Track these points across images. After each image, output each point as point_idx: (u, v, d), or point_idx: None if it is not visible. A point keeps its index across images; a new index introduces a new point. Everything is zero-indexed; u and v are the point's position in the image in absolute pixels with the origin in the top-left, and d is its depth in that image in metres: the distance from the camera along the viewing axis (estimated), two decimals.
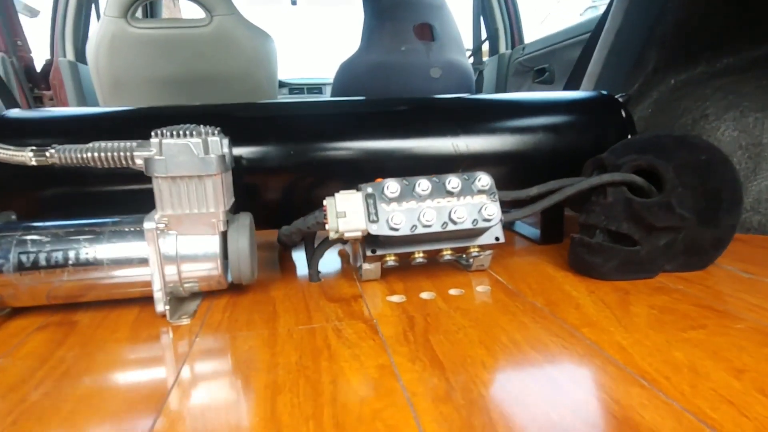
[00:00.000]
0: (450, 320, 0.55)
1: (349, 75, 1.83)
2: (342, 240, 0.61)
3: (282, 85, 2.89)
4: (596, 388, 0.41)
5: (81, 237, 0.56)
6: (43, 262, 0.55)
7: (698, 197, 0.64)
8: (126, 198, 0.71)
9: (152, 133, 0.56)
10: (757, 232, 0.89)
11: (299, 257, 0.82)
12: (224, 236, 0.60)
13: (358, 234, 0.59)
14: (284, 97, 2.89)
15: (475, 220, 0.60)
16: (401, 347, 0.49)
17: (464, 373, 0.43)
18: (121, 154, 0.56)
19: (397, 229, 0.58)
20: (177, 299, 0.61)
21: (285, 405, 0.39)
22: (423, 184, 0.60)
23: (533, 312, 0.57)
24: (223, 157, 0.58)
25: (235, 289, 0.66)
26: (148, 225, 0.55)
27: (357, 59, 1.84)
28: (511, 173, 0.80)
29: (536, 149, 0.80)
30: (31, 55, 1.90)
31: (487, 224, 0.60)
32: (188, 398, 0.41)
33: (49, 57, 2.00)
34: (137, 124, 0.73)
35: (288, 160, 0.74)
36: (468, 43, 2.59)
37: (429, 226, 0.59)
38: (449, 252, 0.64)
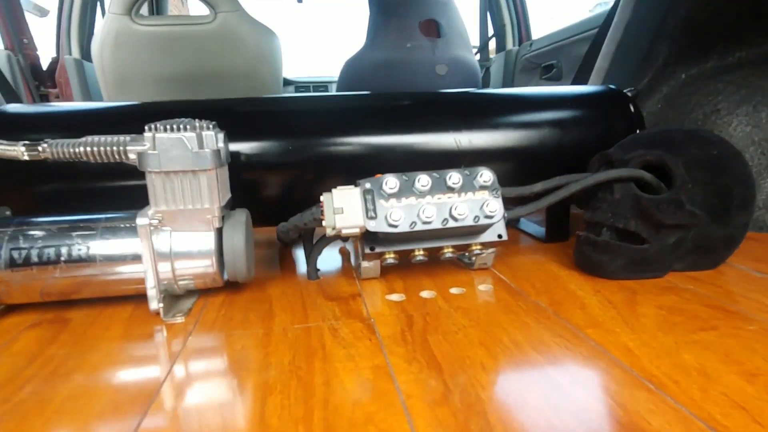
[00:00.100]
0: (450, 320, 0.53)
1: (353, 72, 1.82)
2: (340, 237, 0.60)
3: (288, 83, 2.89)
4: (601, 392, 0.39)
5: (74, 233, 0.55)
6: (35, 259, 0.54)
7: (709, 194, 0.62)
8: (124, 194, 0.70)
9: (146, 128, 0.54)
10: None
11: (300, 255, 0.81)
12: (219, 233, 0.58)
13: (356, 231, 0.57)
14: None
15: (476, 216, 0.58)
16: (398, 347, 0.47)
17: (463, 375, 0.42)
18: (114, 148, 0.55)
19: (395, 226, 0.57)
20: (172, 297, 0.60)
21: (275, 407, 0.38)
22: (423, 180, 0.58)
23: (536, 312, 0.55)
24: (218, 151, 0.56)
25: (232, 287, 0.64)
26: (141, 221, 0.54)
27: (362, 56, 1.82)
28: (515, 170, 0.78)
29: (541, 145, 0.78)
30: (38, 53, 1.91)
31: (489, 221, 0.59)
32: (176, 399, 0.40)
33: (55, 55, 2.00)
34: (136, 119, 0.72)
35: (287, 155, 0.73)
36: (475, 39, 2.57)
37: (429, 222, 0.57)
38: (450, 250, 0.63)
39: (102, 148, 0.54)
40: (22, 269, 0.54)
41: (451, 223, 0.58)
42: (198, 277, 0.58)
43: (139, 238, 0.55)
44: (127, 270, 0.56)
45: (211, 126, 0.57)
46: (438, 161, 0.74)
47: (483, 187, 0.60)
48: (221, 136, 0.58)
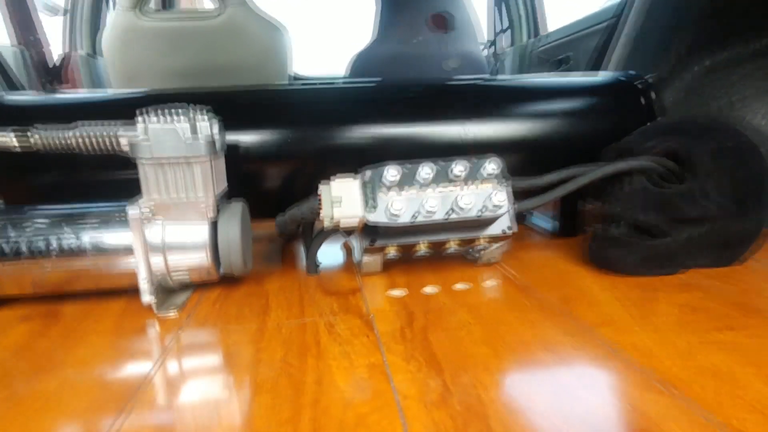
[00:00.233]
0: (453, 316, 0.50)
1: (361, 67, 1.79)
2: (339, 229, 0.57)
3: (296, 79, 2.87)
4: (616, 396, 0.36)
5: (64, 224, 0.53)
6: (24, 250, 0.52)
7: (735, 185, 0.58)
8: (123, 185, 0.69)
9: (137, 114, 0.52)
10: None
11: (301, 250, 0.79)
12: (214, 225, 0.56)
13: (355, 222, 0.54)
14: None
15: (482, 208, 0.55)
16: (396, 345, 0.44)
17: (464, 375, 0.39)
18: (105, 136, 0.53)
19: (397, 218, 0.54)
20: (166, 291, 0.58)
21: (261, 407, 0.36)
22: (426, 169, 0.55)
23: (546, 309, 0.51)
24: (212, 140, 0.54)
25: (228, 281, 0.62)
26: (132, 211, 0.52)
27: (369, 52, 1.80)
28: (525, 161, 0.75)
29: (552, 135, 0.74)
30: (49, 48, 1.92)
31: (495, 213, 0.55)
32: (159, 397, 0.38)
33: (65, 50, 2.01)
34: (134, 108, 0.71)
35: (288, 147, 0.70)
36: (486, 33, 2.53)
37: (432, 214, 0.54)
38: (455, 244, 0.60)
39: (93, 137, 0.52)
40: (12, 261, 0.53)
41: (456, 215, 0.55)
42: (192, 270, 0.56)
43: (130, 230, 0.53)
44: (119, 262, 0.55)
45: (205, 113, 0.54)
46: (444, 152, 0.71)
47: (490, 177, 0.57)
48: (216, 124, 0.56)
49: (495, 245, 0.62)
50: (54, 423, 0.35)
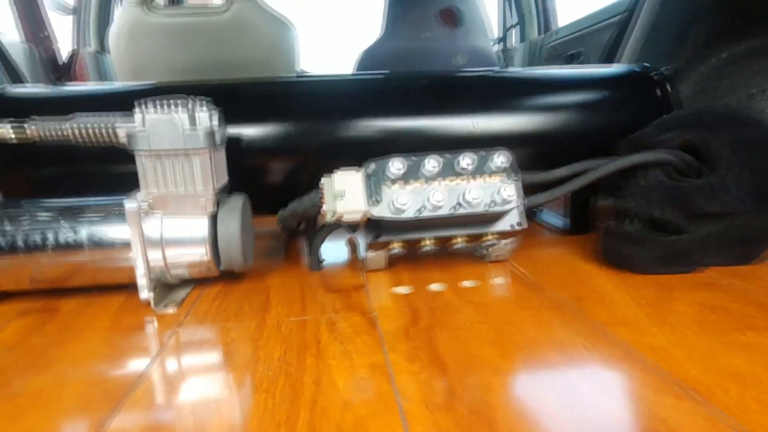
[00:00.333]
0: (459, 315, 0.48)
1: (368, 64, 1.77)
2: (343, 224, 0.55)
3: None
4: (634, 401, 0.34)
5: (61, 218, 0.52)
6: (20, 244, 0.51)
7: (756, 179, 0.55)
8: (123, 179, 0.67)
9: (135, 105, 0.51)
10: None
11: (305, 245, 0.77)
12: (214, 219, 0.55)
13: (358, 216, 0.53)
14: None
15: (491, 202, 0.53)
16: (400, 344, 0.42)
17: (470, 377, 0.37)
18: (103, 127, 0.51)
19: (401, 212, 0.52)
20: (165, 286, 0.56)
21: (257, 407, 0.34)
22: (432, 162, 0.53)
23: (557, 308, 0.49)
24: (212, 131, 0.53)
25: (230, 276, 0.61)
26: (129, 205, 0.51)
27: (378, 47, 1.78)
28: (536, 156, 0.72)
29: (564, 129, 0.72)
30: (57, 45, 1.93)
31: (504, 207, 0.53)
32: (152, 396, 0.36)
33: (74, 48, 2.02)
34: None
35: (291, 140, 0.68)
36: (496, 28, 2.49)
37: (438, 208, 0.52)
38: (462, 239, 0.57)
39: (90, 128, 0.51)
40: (9, 255, 0.52)
41: (463, 209, 0.53)
42: (191, 265, 0.55)
43: (127, 224, 0.51)
44: (117, 257, 0.53)
45: (205, 104, 0.53)
46: (453, 146, 0.69)
47: (499, 171, 0.55)
48: (216, 115, 0.54)
49: (504, 241, 0.60)
50: (45, 421, 0.34)
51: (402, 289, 0.55)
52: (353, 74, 0.81)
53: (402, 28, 1.79)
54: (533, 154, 0.72)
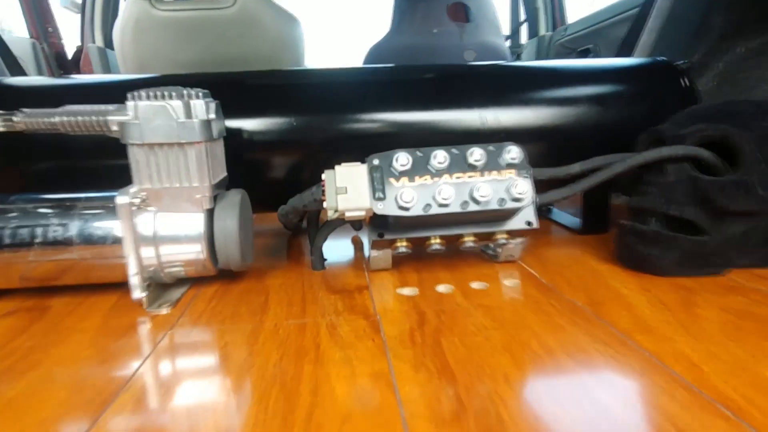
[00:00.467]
0: (469, 319, 0.45)
1: (376, 60, 1.75)
2: (345, 221, 0.52)
3: None
4: (659, 417, 0.30)
5: (50, 213, 0.50)
6: (7, 240, 0.49)
7: None
8: (120, 173, 0.65)
9: (128, 95, 0.49)
10: None
11: (308, 243, 0.74)
12: (211, 215, 0.52)
13: (361, 214, 0.50)
14: None
15: (502, 199, 0.50)
16: (405, 350, 0.39)
17: (481, 388, 0.34)
18: (94, 118, 0.49)
19: (407, 209, 0.49)
20: (159, 286, 0.54)
21: (248, 420, 0.31)
22: (439, 156, 0.50)
23: (572, 312, 0.46)
24: (207, 122, 0.50)
25: (228, 275, 0.58)
26: (121, 200, 0.48)
27: (386, 43, 1.75)
28: (549, 151, 0.69)
29: (578, 123, 0.68)
30: (62, 41, 1.92)
31: (516, 205, 0.50)
32: (134, 406, 0.34)
33: (79, 44, 2.01)
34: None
35: (294, 133, 0.66)
36: (505, 24, 2.45)
37: (446, 205, 0.49)
38: (471, 238, 0.54)
39: (81, 119, 0.49)
40: None
41: (472, 207, 0.50)
42: (187, 264, 0.52)
43: (119, 220, 0.49)
44: (109, 255, 0.51)
45: (201, 94, 0.50)
46: (462, 141, 0.66)
47: (510, 166, 0.52)
48: (213, 106, 0.52)
49: (515, 240, 0.56)
50: (20, 430, 0.31)
51: (407, 291, 0.52)
52: (359, 66, 0.78)
53: (410, 23, 1.76)
54: (546, 149, 0.69)
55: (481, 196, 0.49)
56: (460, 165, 0.51)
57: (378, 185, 0.50)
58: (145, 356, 0.41)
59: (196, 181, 0.50)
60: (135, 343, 0.43)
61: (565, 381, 0.35)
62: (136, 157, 0.49)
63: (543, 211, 0.85)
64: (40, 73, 1.81)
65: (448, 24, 1.73)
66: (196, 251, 0.51)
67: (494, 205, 0.50)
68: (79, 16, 2.06)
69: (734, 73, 0.93)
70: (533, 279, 0.55)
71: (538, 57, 2.30)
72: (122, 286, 0.54)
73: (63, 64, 1.93)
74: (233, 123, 0.63)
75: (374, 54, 1.74)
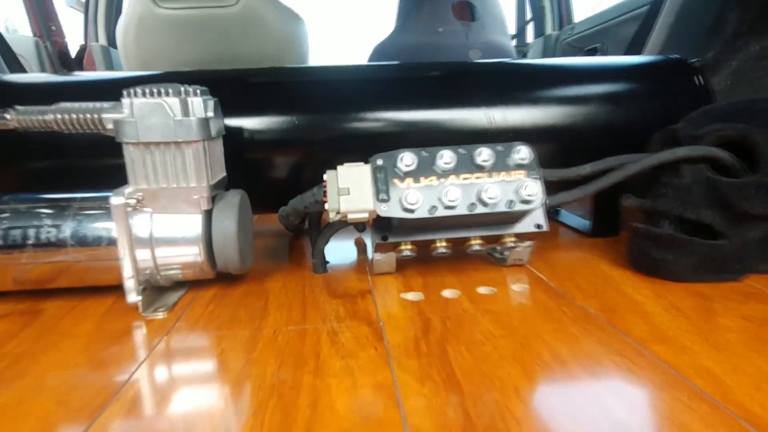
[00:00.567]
0: (476, 326, 0.43)
1: (382, 58, 1.74)
2: (347, 222, 0.51)
3: None
4: None
5: (43, 214, 0.48)
6: (0, 243, 0.47)
7: None
8: (118, 173, 0.64)
9: (123, 92, 0.47)
10: None
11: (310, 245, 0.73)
12: (209, 216, 0.50)
13: (364, 216, 0.48)
14: None
15: (511, 201, 0.48)
16: (410, 360, 0.38)
17: (490, 401, 0.32)
18: (89, 116, 0.47)
19: (412, 211, 0.47)
20: (156, 289, 0.52)
21: None
22: (446, 156, 0.49)
23: (585, 320, 0.44)
24: (205, 120, 0.48)
25: (227, 278, 0.56)
26: (115, 201, 0.47)
27: (391, 41, 1.74)
28: (558, 151, 0.67)
29: (589, 122, 0.66)
30: (66, 40, 1.91)
31: (526, 207, 0.48)
32: (127, 415, 0.32)
33: (83, 42, 2.00)
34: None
35: (296, 132, 0.64)
36: (511, 23, 2.43)
37: (453, 207, 0.48)
38: (478, 241, 0.52)
39: (75, 116, 0.47)
40: None
41: (480, 209, 0.48)
42: (184, 266, 0.51)
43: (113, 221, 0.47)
44: (104, 257, 0.49)
45: (198, 92, 0.49)
46: (468, 141, 0.64)
47: (519, 166, 0.50)
48: (211, 103, 0.50)
49: (524, 244, 0.54)
50: None
51: (412, 296, 0.51)
52: (363, 64, 0.76)
53: (415, 22, 1.75)
54: (555, 150, 0.67)
55: (489, 198, 0.47)
56: (467, 165, 0.49)
57: (382, 186, 0.48)
58: (138, 364, 0.39)
59: (194, 181, 0.49)
60: (128, 349, 0.42)
61: (578, 395, 0.33)
62: (131, 157, 0.48)
63: (551, 213, 0.83)
64: (42, 71, 1.81)
65: (453, 23, 1.72)
66: (193, 254, 0.50)
67: (503, 207, 0.48)
68: (74, 10, 2.06)
69: (748, 72, 0.90)
70: (542, 284, 0.53)
71: (545, 56, 2.28)
72: (119, 288, 0.53)
73: (66, 63, 1.92)
74: (233, 122, 0.62)
75: (379, 53, 1.73)
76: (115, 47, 2.00)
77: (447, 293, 0.51)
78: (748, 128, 0.52)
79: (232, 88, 0.65)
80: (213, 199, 0.51)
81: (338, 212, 0.48)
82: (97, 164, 0.62)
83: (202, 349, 0.41)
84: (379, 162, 0.49)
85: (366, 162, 0.50)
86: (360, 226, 0.64)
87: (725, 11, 0.95)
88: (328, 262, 0.60)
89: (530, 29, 2.34)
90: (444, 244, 0.52)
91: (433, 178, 0.49)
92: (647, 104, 0.67)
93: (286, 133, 0.63)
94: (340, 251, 0.68)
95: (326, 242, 0.58)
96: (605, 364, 0.37)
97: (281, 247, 0.72)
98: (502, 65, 0.76)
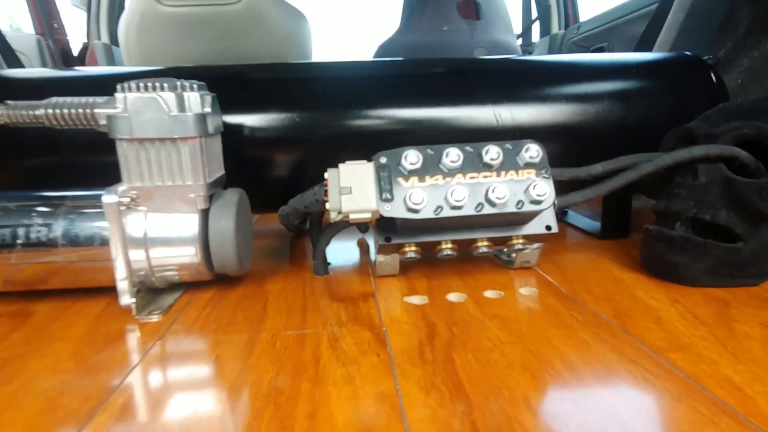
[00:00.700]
0: (483, 332, 0.41)
1: (386, 57, 1.72)
2: (349, 223, 0.49)
3: None
4: None
5: (33, 213, 0.47)
6: None
7: None
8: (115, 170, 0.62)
9: (117, 87, 0.45)
10: None
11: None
12: (205, 215, 0.49)
13: (367, 216, 0.46)
14: None
15: (520, 201, 0.46)
16: (414, 368, 0.36)
17: (499, 412, 0.30)
18: (81, 111, 0.46)
19: (417, 211, 0.45)
20: (150, 291, 0.51)
21: None
22: (452, 154, 0.47)
23: (597, 325, 0.42)
24: (202, 116, 0.47)
25: (225, 280, 0.55)
26: (108, 199, 0.45)
27: (395, 40, 1.72)
28: (568, 150, 0.65)
29: (599, 121, 0.64)
30: (68, 38, 1.90)
31: (536, 208, 0.46)
32: (114, 423, 0.30)
33: (85, 40, 1.99)
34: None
35: (297, 129, 0.62)
36: (517, 22, 2.40)
37: (459, 208, 0.46)
38: (485, 243, 0.51)
39: (67, 111, 0.45)
40: None
41: (488, 209, 0.46)
42: (180, 268, 0.49)
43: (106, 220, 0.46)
44: (96, 257, 0.47)
45: (195, 86, 0.47)
46: (474, 139, 0.62)
47: (529, 165, 0.48)
48: (209, 99, 0.48)
49: (532, 246, 0.52)
50: None
51: (416, 299, 0.49)
52: (366, 60, 0.74)
53: (420, 21, 1.73)
54: (564, 148, 0.65)
55: (498, 198, 0.45)
56: (474, 164, 0.47)
57: (385, 185, 0.46)
58: (130, 369, 0.37)
59: (190, 179, 0.47)
60: (121, 353, 0.40)
61: (592, 406, 0.31)
62: (125, 153, 0.46)
63: (557, 214, 0.81)
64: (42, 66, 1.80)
65: (458, 21, 1.70)
66: (189, 254, 0.48)
67: (511, 208, 0.46)
68: (76, 8, 2.05)
69: (760, 70, 0.88)
70: (551, 287, 0.51)
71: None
72: (114, 290, 0.51)
73: (68, 61, 1.91)
74: (233, 119, 0.60)
75: (383, 51, 1.72)
76: (118, 45, 1.99)
77: (452, 297, 0.49)
78: (764, 126, 0.50)
79: (232, 84, 0.64)
80: (210, 198, 0.49)
81: (340, 212, 0.46)
82: (91, 161, 0.60)
83: (198, 354, 0.40)
84: (383, 160, 0.47)
85: (369, 160, 0.49)
86: (362, 227, 0.62)
87: (737, 8, 0.93)
88: (329, 264, 0.58)
89: (536, 28, 2.32)
90: (449, 245, 0.50)
91: (439, 177, 0.47)
92: (659, 102, 0.65)
93: (287, 130, 0.62)
94: (342, 252, 0.66)
95: (327, 243, 0.56)
96: (619, 372, 0.35)
97: (282, 248, 0.70)
98: (510, 62, 0.74)
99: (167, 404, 0.33)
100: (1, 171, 0.61)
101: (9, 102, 0.47)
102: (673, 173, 0.53)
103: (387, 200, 0.46)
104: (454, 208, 0.46)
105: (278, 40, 1.38)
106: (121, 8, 2.06)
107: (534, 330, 0.41)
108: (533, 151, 0.48)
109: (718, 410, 0.30)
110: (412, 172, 0.47)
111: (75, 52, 1.97)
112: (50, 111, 0.45)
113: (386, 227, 0.49)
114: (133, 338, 0.43)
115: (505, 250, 0.54)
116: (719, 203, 0.49)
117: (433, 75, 0.67)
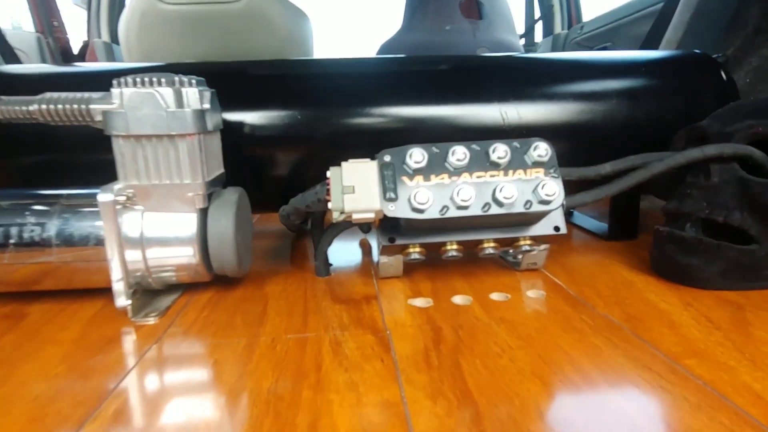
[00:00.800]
0: (491, 337, 0.40)
1: None
2: (352, 223, 0.47)
3: None
4: None
5: (27, 212, 0.45)
6: None
7: None
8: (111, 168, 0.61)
9: (113, 82, 0.44)
10: None
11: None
12: (204, 215, 0.47)
13: (370, 216, 0.45)
14: None
15: (528, 201, 0.45)
16: (419, 374, 0.34)
17: (509, 421, 0.29)
18: (75, 107, 0.44)
19: (421, 211, 0.44)
20: (147, 292, 0.49)
21: None
22: (458, 153, 0.45)
23: (608, 330, 0.41)
24: (201, 112, 0.45)
25: (225, 281, 0.53)
26: (103, 198, 0.43)
27: (397, 40, 1.71)
28: (575, 149, 0.63)
29: (608, 119, 0.63)
30: (68, 36, 1.89)
31: (544, 208, 0.45)
32: (107, 429, 0.29)
33: (85, 38, 1.98)
34: None
35: (299, 127, 0.61)
36: (520, 22, 2.39)
37: (465, 208, 0.44)
38: (492, 244, 0.49)
39: (61, 107, 0.44)
40: None
41: (495, 209, 0.44)
42: (178, 268, 0.48)
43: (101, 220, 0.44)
44: (91, 258, 0.46)
45: (194, 82, 0.45)
46: (479, 138, 0.61)
47: (537, 164, 0.46)
48: (208, 95, 0.47)
49: (539, 247, 0.51)
50: None
51: (420, 302, 0.47)
52: (369, 57, 0.72)
53: (422, 20, 1.72)
54: (571, 147, 0.63)
55: (505, 198, 0.44)
56: (481, 163, 0.46)
57: (389, 184, 0.45)
58: (125, 373, 0.36)
59: (188, 177, 0.46)
60: (115, 357, 0.39)
61: (606, 414, 0.29)
62: (121, 151, 0.45)
63: (566, 212, 0.79)
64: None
65: (460, 21, 1.69)
66: (187, 255, 0.47)
67: (519, 208, 0.44)
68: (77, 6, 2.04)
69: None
70: (560, 290, 0.50)
71: None
72: (109, 291, 0.50)
73: (68, 59, 1.90)
74: (233, 116, 0.59)
75: (385, 51, 1.71)
76: (118, 43, 1.98)
77: (458, 299, 0.48)
78: None
79: (232, 81, 0.63)
80: (209, 197, 0.48)
81: (342, 212, 0.44)
82: (86, 159, 0.59)
83: (195, 358, 0.38)
84: (387, 158, 0.46)
85: (372, 158, 0.47)
86: (365, 227, 0.61)
87: (745, 6, 0.91)
88: (331, 265, 0.57)
89: (539, 28, 2.31)
90: (455, 246, 0.49)
91: (445, 176, 0.45)
92: (669, 101, 0.64)
93: (289, 128, 0.60)
94: (344, 253, 0.64)
95: (329, 244, 0.54)
96: (634, 379, 0.33)
97: (282, 249, 0.69)
98: (516, 59, 0.72)
99: (163, 410, 0.31)
100: None
101: (2, 97, 0.45)
102: (685, 173, 0.52)
103: (391, 200, 0.44)
104: (460, 208, 0.44)
105: (279, 38, 1.37)
106: (122, 6, 2.05)
107: (543, 334, 0.40)
108: (542, 149, 0.47)
109: (740, 420, 0.29)
110: (416, 171, 0.45)
111: (75, 51, 1.96)
112: (44, 106, 0.44)
113: (390, 227, 0.48)
114: (129, 341, 0.41)
115: (512, 251, 0.52)
116: (733, 204, 0.48)
117: (438, 72, 0.66)
